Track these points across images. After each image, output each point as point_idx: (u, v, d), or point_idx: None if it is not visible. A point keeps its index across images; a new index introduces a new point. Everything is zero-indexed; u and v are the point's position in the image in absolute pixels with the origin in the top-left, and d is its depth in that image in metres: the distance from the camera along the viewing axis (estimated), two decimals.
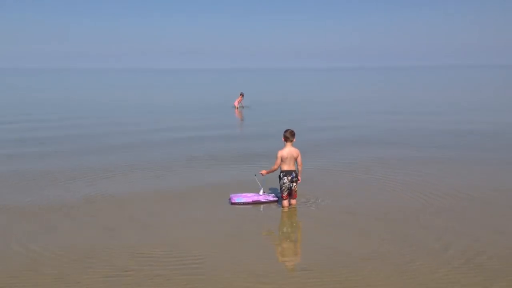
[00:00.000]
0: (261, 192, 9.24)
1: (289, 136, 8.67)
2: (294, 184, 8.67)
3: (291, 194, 8.76)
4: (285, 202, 8.78)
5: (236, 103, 29.70)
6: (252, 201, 9.00)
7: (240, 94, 30.12)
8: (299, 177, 8.76)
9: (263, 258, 6.61)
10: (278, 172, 8.82)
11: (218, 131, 19.47)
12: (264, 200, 9.06)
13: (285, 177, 8.63)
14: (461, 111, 27.87)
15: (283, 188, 8.68)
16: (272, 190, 9.57)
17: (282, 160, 8.64)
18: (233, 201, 8.99)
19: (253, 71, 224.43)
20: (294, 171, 8.67)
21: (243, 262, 6.46)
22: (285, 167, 8.66)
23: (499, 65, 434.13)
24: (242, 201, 8.97)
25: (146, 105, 33.87)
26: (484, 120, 22.50)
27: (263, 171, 9.05)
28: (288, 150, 8.63)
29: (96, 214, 8.53)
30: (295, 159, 8.68)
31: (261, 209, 8.79)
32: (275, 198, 9.09)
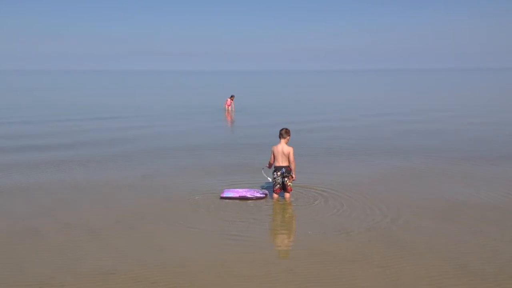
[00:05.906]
0: (270, 179, 9.55)
1: (281, 133, 9.16)
2: (286, 179, 9.06)
3: (284, 188, 9.14)
4: (274, 195, 9.31)
5: (227, 105, 29.50)
6: (239, 196, 9.25)
7: (231, 97, 29.77)
8: (293, 174, 9.11)
9: (249, 260, 6.60)
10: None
11: (210, 135, 19.57)
12: (251, 196, 9.30)
13: (275, 172, 9.19)
14: None
15: (274, 182, 9.22)
16: (269, 185, 9.83)
17: (274, 155, 9.14)
18: (221, 195, 9.29)
19: (260, 73, 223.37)
20: (284, 167, 9.08)
21: (229, 264, 6.44)
22: (276, 163, 9.20)
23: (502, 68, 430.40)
24: (230, 195, 9.23)
25: (138, 107, 33.57)
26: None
27: (267, 165, 9.51)
28: (281, 147, 9.11)
29: (82, 216, 8.51)
30: (287, 156, 9.02)
31: (252, 208, 8.82)
32: (263, 195, 9.39)
